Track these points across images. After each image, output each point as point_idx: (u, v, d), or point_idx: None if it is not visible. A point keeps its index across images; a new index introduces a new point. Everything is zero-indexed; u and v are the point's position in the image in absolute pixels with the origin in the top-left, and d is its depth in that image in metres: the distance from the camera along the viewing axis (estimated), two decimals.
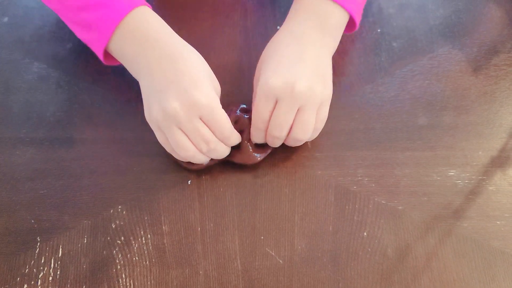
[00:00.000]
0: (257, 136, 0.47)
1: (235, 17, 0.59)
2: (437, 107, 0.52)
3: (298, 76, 0.43)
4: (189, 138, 0.44)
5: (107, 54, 0.48)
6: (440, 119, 0.51)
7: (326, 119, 0.47)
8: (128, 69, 0.48)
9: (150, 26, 0.46)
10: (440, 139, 0.50)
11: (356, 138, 0.50)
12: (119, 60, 0.48)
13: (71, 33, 0.51)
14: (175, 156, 0.47)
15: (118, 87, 0.54)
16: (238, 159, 0.48)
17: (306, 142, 0.50)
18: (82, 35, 0.50)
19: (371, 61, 0.55)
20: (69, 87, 0.54)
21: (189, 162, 0.47)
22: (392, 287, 0.43)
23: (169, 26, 0.47)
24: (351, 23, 0.49)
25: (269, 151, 0.48)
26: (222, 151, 0.46)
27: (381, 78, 0.54)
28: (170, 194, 0.48)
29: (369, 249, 0.45)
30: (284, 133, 0.45)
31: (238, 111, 0.49)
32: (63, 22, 0.53)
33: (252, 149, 0.48)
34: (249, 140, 0.48)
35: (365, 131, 0.51)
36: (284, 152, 0.49)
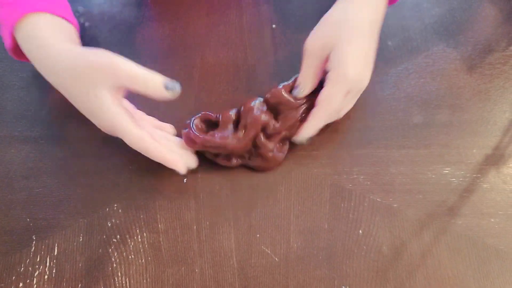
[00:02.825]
0: (316, 124, 0.47)
1: (231, 15, 0.59)
2: (432, 106, 0.52)
3: (367, 72, 0.47)
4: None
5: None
6: (435, 117, 0.51)
7: None
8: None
9: (41, 35, 0.45)
10: (435, 137, 0.50)
11: (351, 137, 0.50)
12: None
13: None
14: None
15: None
16: (260, 165, 0.48)
17: None
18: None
19: None
20: None
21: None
22: (387, 284, 0.43)
23: (60, 36, 0.46)
24: None
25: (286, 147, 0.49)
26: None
27: (376, 77, 0.54)
28: (166, 192, 0.48)
29: (365, 247, 0.45)
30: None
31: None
32: None
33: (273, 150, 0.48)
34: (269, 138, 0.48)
35: (361, 130, 0.51)
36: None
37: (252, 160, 0.48)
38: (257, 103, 0.48)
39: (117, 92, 0.43)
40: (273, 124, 0.47)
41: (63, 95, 0.45)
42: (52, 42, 0.44)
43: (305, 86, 0.48)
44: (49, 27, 0.45)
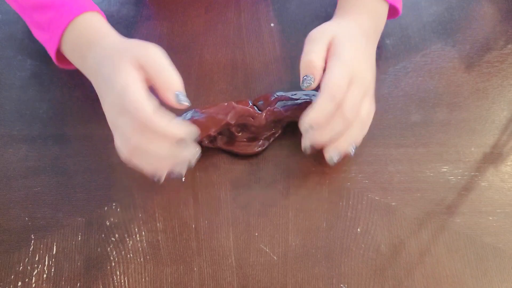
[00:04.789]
0: (322, 111, 0.43)
1: (229, 14, 0.59)
2: (430, 104, 0.52)
3: (369, 66, 0.46)
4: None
5: (63, 57, 0.49)
6: (433, 115, 0.51)
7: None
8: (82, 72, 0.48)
9: (96, 31, 0.46)
10: (433, 135, 0.50)
11: None
12: (72, 62, 0.49)
13: None
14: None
15: None
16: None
17: (300, 139, 0.50)
18: (37, 34, 0.50)
19: None
20: (62, 84, 0.54)
21: None
22: (385, 283, 0.43)
23: (116, 32, 0.47)
24: (392, 11, 0.52)
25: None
26: (183, 154, 0.42)
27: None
28: (164, 191, 0.48)
29: (363, 245, 0.45)
30: (354, 113, 0.44)
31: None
32: None
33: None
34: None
35: None
36: (278, 149, 0.50)
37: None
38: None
39: (138, 69, 0.41)
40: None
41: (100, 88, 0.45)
42: (104, 36, 0.46)
43: (313, 70, 0.44)
44: (101, 24, 0.47)
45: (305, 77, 0.44)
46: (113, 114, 0.42)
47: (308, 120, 0.43)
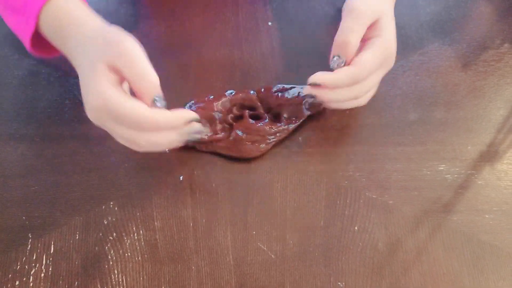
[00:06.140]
0: (339, 81, 0.42)
1: (227, 13, 0.59)
2: (427, 103, 0.52)
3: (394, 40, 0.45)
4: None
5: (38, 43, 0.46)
6: (430, 114, 0.52)
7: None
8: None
9: (75, 12, 0.43)
10: (431, 134, 0.50)
11: (347, 134, 0.51)
12: (52, 41, 0.45)
13: None
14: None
15: None
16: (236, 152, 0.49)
17: (298, 137, 0.50)
18: (11, 19, 0.47)
19: None
20: (60, 83, 0.54)
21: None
22: (382, 281, 0.43)
23: (95, 14, 0.44)
24: None
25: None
26: (163, 140, 0.41)
27: None
28: (162, 190, 0.48)
29: (360, 243, 0.45)
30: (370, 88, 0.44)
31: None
32: None
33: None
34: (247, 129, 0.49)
35: (356, 127, 0.51)
36: (276, 148, 0.50)
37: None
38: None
39: (114, 71, 0.39)
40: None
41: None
42: (85, 19, 0.43)
43: (348, 52, 0.42)
44: (78, 6, 0.44)
45: (336, 58, 0.42)
46: (103, 119, 0.40)
47: (318, 79, 0.42)
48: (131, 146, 0.41)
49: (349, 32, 0.41)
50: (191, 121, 0.41)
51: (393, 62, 0.45)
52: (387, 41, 0.43)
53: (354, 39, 0.41)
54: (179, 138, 0.41)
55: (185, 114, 0.41)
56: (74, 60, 0.44)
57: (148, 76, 0.39)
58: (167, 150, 0.48)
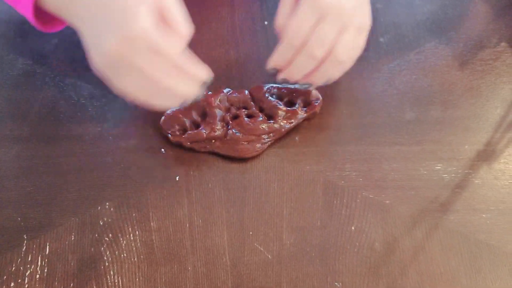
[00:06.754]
0: (282, 56, 0.43)
1: (223, 11, 0.59)
2: (424, 102, 0.52)
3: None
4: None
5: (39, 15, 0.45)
6: (427, 113, 0.52)
7: (361, 49, 0.46)
8: (66, 19, 0.43)
9: None
10: (427, 133, 0.50)
11: (344, 133, 0.50)
12: (55, 11, 0.43)
13: None
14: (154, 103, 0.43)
15: (104, 83, 0.54)
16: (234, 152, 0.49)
17: (294, 137, 0.50)
18: None
19: (359, 56, 0.55)
20: (54, 83, 0.54)
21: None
22: (379, 281, 0.43)
23: None
24: None
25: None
26: (187, 86, 0.41)
27: (368, 73, 0.54)
28: (158, 190, 0.48)
29: (357, 243, 0.45)
30: (324, 51, 0.42)
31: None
32: None
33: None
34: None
35: (353, 126, 0.51)
36: (272, 147, 0.50)
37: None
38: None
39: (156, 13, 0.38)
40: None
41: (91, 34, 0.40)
42: None
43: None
44: None
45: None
46: (126, 53, 0.38)
47: (269, 64, 0.45)
48: (146, 93, 0.41)
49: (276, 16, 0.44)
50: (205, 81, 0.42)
51: (344, 11, 0.42)
52: None
53: (279, 20, 0.44)
54: (196, 91, 0.42)
55: (205, 71, 0.42)
56: (89, 9, 0.39)
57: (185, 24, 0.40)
58: (162, 151, 0.47)
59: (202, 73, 0.42)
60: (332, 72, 0.45)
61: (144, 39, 0.37)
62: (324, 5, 0.41)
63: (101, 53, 0.39)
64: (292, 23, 0.42)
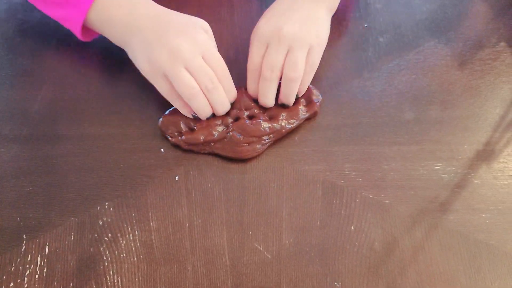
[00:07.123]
0: (252, 83, 0.50)
1: (222, 12, 0.59)
2: (423, 102, 0.52)
3: (286, 21, 0.48)
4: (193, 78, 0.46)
5: (84, 29, 0.50)
6: (426, 113, 0.52)
7: (317, 65, 0.50)
8: (112, 36, 0.49)
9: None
10: (427, 133, 0.50)
11: (343, 133, 0.50)
12: (100, 30, 0.50)
13: (55, 29, 0.50)
14: (178, 107, 0.48)
15: (104, 83, 0.54)
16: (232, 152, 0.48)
17: (294, 137, 0.50)
18: (56, 13, 0.51)
19: (358, 56, 0.55)
20: (53, 83, 0.54)
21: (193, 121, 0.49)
22: (379, 280, 0.43)
23: None
24: None
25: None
26: (223, 95, 0.48)
27: (368, 73, 0.54)
28: (157, 190, 0.48)
29: (357, 243, 0.45)
30: (275, 73, 0.48)
31: None
32: (48, 17, 0.52)
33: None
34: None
35: (352, 126, 0.51)
36: (272, 148, 0.50)
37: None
38: None
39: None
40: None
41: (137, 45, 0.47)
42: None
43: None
44: None
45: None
46: (190, 58, 0.45)
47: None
48: (193, 95, 0.46)
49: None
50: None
51: (288, 33, 0.47)
52: (255, 30, 0.50)
53: (251, 63, 0.50)
54: (227, 106, 0.49)
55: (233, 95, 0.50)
56: (145, 19, 0.48)
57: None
58: (162, 151, 0.48)
59: (231, 86, 0.49)
60: (290, 88, 0.48)
61: (206, 43, 0.47)
62: (266, 35, 0.48)
63: (163, 50, 0.45)
64: (249, 56, 0.49)
